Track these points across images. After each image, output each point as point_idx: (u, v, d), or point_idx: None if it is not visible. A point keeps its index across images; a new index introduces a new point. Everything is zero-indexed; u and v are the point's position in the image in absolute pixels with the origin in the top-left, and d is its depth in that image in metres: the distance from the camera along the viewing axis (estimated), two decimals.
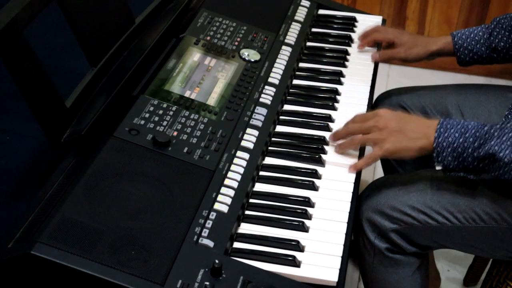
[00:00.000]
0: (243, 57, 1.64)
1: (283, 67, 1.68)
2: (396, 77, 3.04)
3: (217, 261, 1.11)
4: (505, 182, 1.43)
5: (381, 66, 1.94)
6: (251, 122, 1.47)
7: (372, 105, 1.82)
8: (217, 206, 1.25)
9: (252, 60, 1.64)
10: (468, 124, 1.34)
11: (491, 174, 1.32)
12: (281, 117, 1.57)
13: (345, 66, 1.77)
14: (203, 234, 1.19)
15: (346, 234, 1.28)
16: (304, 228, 1.28)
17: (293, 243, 1.24)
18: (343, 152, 1.46)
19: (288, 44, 1.77)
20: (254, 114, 1.50)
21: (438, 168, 1.42)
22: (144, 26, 1.61)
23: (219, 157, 1.35)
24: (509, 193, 1.42)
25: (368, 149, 1.46)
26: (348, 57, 1.81)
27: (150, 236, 1.14)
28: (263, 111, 1.52)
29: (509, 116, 1.46)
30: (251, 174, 1.36)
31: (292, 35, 1.80)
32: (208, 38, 1.67)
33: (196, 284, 1.10)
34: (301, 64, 1.76)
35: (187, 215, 1.21)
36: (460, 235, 1.46)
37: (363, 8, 2.83)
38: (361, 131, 1.43)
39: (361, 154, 1.48)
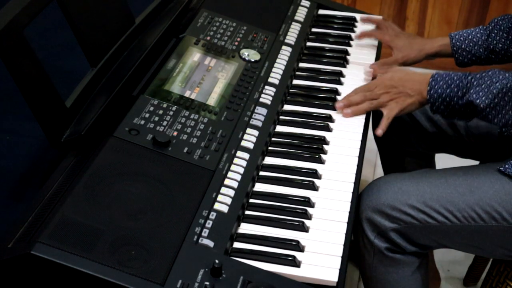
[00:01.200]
0: (243, 57, 1.64)
1: (283, 67, 1.68)
2: None
3: (217, 261, 1.11)
4: (504, 181, 1.44)
5: None
6: (251, 122, 1.47)
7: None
8: (217, 206, 1.25)
9: (252, 60, 1.64)
10: (454, 76, 1.49)
11: (477, 118, 1.48)
12: (281, 117, 1.57)
13: (345, 66, 1.77)
14: (203, 234, 1.19)
15: (346, 234, 1.28)
16: (304, 228, 1.28)
17: (293, 243, 1.24)
18: (355, 115, 1.58)
19: (288, 44, 1.77)
20: (254, 114, 1.50)
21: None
22: (144, 26, 1.61)
23: (219, 157, 1.35)
24: (509, 192, 1.42)
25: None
26: (348, 57, 1.81)
27: (150, 236, 1.14)
28: (263, 111, 1.52)
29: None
30: (251, 174, 1.36)
31: (292, 35, 1.80)
32: (208, 38, 1.67)
33: (196, 284, 1.10)
34: (301, 64, 1.76)
35: (187, 215, 1.21)
36: (460, 234, 1.46)
37: (363, 8, 2.83)
38: (372, 97, 1.57)
39: (361, 157, 1.49)
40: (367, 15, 1.96)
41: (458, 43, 1.73)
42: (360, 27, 1.92)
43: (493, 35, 1.69)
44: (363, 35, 1.86)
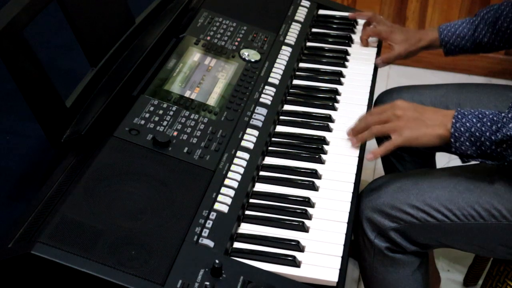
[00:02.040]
0: (243, 57, 1.64)
1: (283, 67, 1.68)
2: (396, 77, 3.04)
3: (217, 261, 1.11)
4: (503, 178, 1.43)
5: None
6: (251, 122, 1.47)
7: (373, 104, 1.82)
8: (217, 206, 1.25)
9: (252, 60, 1.64)
10: (485, 111, 1.35)
11: (510, 157, 1.32)
12: (281, 117, 1.57)
13: (345, 66, 1.77)
14: (203, 234, 1.19)
15: (346, 234, 1.28)
16: (304, 228, 1.28)
17: (293, 243, 1.24)
18: (360, 143, 1.47)
19: (288, 44, 1.77)
20: (254, 114, 1.50)
21: (455, 162, 1.44)
22: (144, 26, 1.61)
23: (219, 157, 1.35)
24: (508, 190, 1.42)
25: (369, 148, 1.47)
26: (348, 57, 1.81)
27: (150, 236, 1.14)
28: (263, 111, 1.52)
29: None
30: (251, 174, 1.36)
31: (292, 35, 1.80)
32: (208, 38, 1.67)
33: (196, 284, 1.10)
34: (301, 64, 1.76)
35: (187, 215, 1.21)
36: (460, 233, 1.46)
37: (363, 8, 2.83)
38: (379, 121, 1.43)
39: (361, 157, 1.49)
40: (357, 12, 1.96)
41: (446, 38, 1.78)
42: (360, 28, 1.92)
43: (479, 29, 1.74)
44: (363, 39, 1.87)
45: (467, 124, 1.34)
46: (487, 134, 1.32)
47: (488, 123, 1.33)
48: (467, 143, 1.35)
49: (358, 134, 1.47)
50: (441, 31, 1.78)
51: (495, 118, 1.33)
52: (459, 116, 1.36)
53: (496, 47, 1.75)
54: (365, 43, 1.87)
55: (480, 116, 1.35)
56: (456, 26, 1.77)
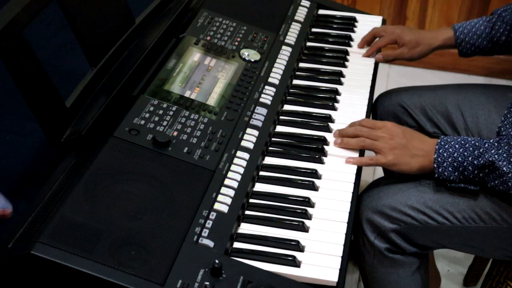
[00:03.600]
0: (243, 57, 1.64)
1: (283, 67, 1.68)
2: (396, 77, 3.04)
3: (217, 261, 1.11)
4: None
5: (381, 66, 1.94)
6: (251, 122, 1.47)
7: (372, 105, 1.82)
8: (217, 206, 1.25)
9: (252, 60, 1.64)
10: (467, 138, 1.40)
11: (490, 183, 1.36)
12: (281, 117, 1.57)
13: (345, 66, 1.77)
14: (203, 234, 1.19)
15: (346, 234, 1.28)
16: (304, 228, 1.28)
17: (293, 243, 1.24)
18: (345, 147, 1.48)
19: (288, 44, 1.77)
20: (254, 114, 1.50)
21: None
22: (144, 26, 1.61)
23: (219, 157, 1.35)
24: (509, 193, 1.42)
25: (367, 154, 1.47)
26: (348, 57, 1.81)
27: (150, 236, 1.14)
28: (263, 111, 1.52)
29: (508, 115, 1.46)
30: (251, 174, 1.36)
31: (292, 35, 1.80)
32: (208, 38, 1.67)
33: (196, 284, 1.10)
34: (301, 64, 1.76)
35: (187, 215, 1.21)
36: (460, 235, 1.46)
37: (363, 8, 2.83)
38: (369, 136, 1.46)
39: (361, 156, 1.49)
40: (362, 38, 1.88)
41: (462, 36, 1.73)
42: (360, 28, 1.92)
43: (497, 27, 1.68)
44: (369, 54, 1.81)
45: (450, 149, 1.38)
46: (470, 159, 1.36)
47: (471, 149, 1.37)
48: (450, 168, 1.39)
49: (344, 137, 1.49)
50: (456, 29, 1.73)
51: (477, 144, 1.37)
52: (442, 143, 1.40)
53: None
54: (378, 58, 1.80)
55: (462, 142, 1.39)
56: (472, 24, 1.72)
